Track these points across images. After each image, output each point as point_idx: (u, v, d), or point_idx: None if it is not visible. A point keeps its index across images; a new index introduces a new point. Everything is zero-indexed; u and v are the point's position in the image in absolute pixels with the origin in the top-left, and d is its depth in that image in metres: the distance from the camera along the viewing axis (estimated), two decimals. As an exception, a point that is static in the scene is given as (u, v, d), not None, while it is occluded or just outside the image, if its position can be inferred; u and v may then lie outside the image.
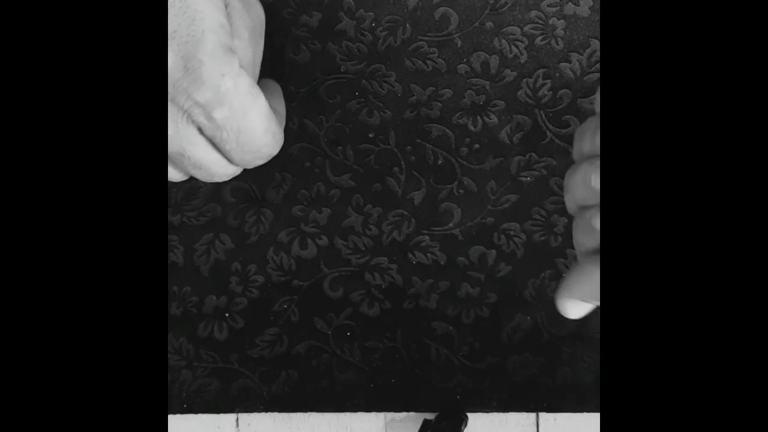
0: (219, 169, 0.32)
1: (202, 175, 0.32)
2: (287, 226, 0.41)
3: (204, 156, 0.31)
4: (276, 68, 0.40)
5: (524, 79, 0.39)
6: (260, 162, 0.32)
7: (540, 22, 0.39)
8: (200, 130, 0.30)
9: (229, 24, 0.29)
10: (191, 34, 0.28)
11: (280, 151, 0.40)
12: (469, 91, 0.39)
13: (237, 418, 0.43)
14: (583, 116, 0.39)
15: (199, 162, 0.31)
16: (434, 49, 0.39)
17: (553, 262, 0.40)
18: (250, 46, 0.31)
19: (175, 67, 0.28)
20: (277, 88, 0.37)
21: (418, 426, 0.41)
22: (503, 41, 0.39)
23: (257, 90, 0.30)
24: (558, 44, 0.39)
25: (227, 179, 0.33)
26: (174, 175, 0.32)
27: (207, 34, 0.28)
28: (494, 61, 0.39)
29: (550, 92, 0.39)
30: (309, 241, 0.41)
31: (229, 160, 0.32)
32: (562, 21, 0.39)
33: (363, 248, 0.41)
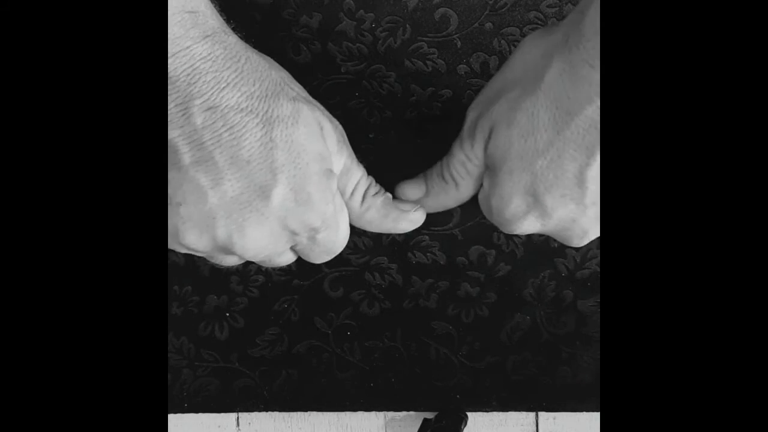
0: (284, 262, 0.34)
1: (265, 264, 0.34)
2: (288, 226, 0.41)
3: (284, 261, 0.34)
4: (276, 69, 0.40)
5: (524, 80, 0.39)
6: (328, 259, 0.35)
7: (539, 22, 0.39)
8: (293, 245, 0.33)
9: (326, 147, 0.32)
10: (299, 167, 0.30)
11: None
12: (468, 91, 0.39)
13: (237, 417, 0.43)
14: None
15: (276, 263, 0.34)
16: (434, 49, 0.39)
17: (552, 262, 0.40)
18: (343, 154, 0.33)
19: (287, 198, 0.30)
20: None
21: (418, 425, 0.41)
22: (503, 42, 0.39)
23: (343, 203, 0.33)
24: (557, 45, 0.39)
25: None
26: (233, 261, 0.34)
27: (311, 165, 0.30)
28: (494, 62, 0.39)
29: (550, 93, 0.39)
30: (309, 240, 0.41)
31: (305, 258, 0.34)
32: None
33: (363, 248, 0.41)
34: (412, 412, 0.42)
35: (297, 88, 0.32)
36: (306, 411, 0.42)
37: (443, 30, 0.39)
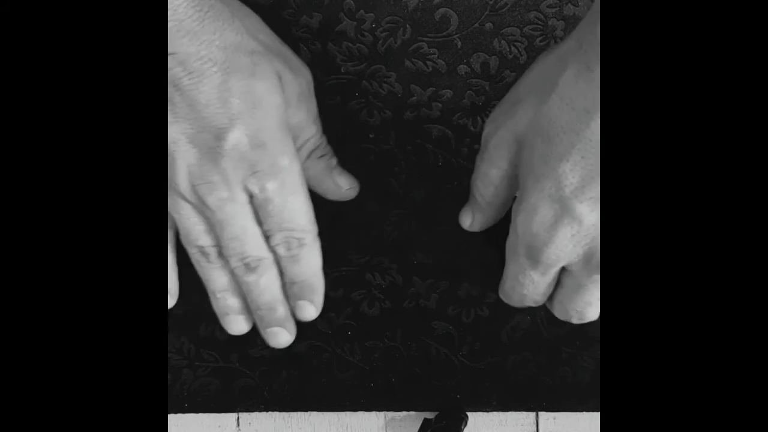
0: (252, 245, 0.34)
1: (233, 247, 0.34)
2: (288, 226, 0.41)
3: (246, 225, 0.33)
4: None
5: (524, 80, 0.39)
6: (288, 247, 0.35)
7: (539, 22, 0.39)
8: (251, 200, 0.33)
9: (284, 99, 0.33)
10: (255, 117, 0.31)
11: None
12: (469, 91, 0.39)
13: (238, 418, 0.43)
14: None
15: (237, 233, 0.33)
16: (434, 49, 0.39)
17: (552, 262, 0.40)
18: (301, 109, 0.35)
19: (241, 142, 0.31)
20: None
21: (418, 425, 0.41)
22: (503, 42, 0.39)
23: (301, 171, 0.34)
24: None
25: (249, 269, 0.35)
26: (199, 239, 0.34)
27: (268, 117, 0.32)
28: (494, 62, 0.39)
29: (550, 93, 0.39)
30: (309, 241, 0.41)
31: (267, 236, 0.34)
32: (561, 22, 0.39)
33: (363, 248, 0.41)
34: (412, 412, 0.42)
35: (262, 36, 0.33)
36: (306, 411, 0.42)
37: (443, 30, 0.39)
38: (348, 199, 0.38)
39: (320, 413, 0.42)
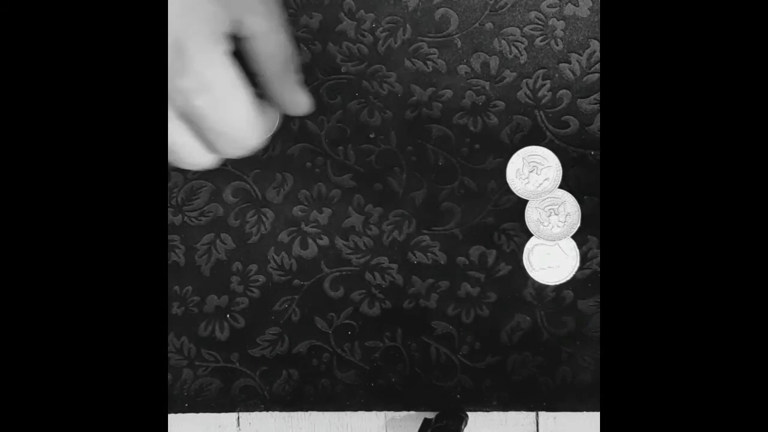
0: (194, 157, 0.32)
1: (173, 159, 0.32)
2: (288, 226, 0.41)
3: (179, 141, 0.31)
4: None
5: (524, 80, 0.39)
6: (241, 153, 0.32)
7: (540, 22, 0.39)
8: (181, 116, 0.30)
9: (227, 9, 0.30)
10: (186, 23, 0.28)
11: (281, 152, 0.41)
12: (469, 91, 0.39)
13: (238, 417, 0.43)
14: (582, 116, 0.39)
15: (172, 146, 0.31)
16: (434, 49, 0.39)
17: (552, 262, 0.40)
18: (257, 15, 0.31)
19: (167, 51, 0.28)
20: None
21: (419, 425, 0.41)
22: (503, 42, 0.39)
23: (240, 82, 0.30)
24: (557, 45, 0.39)
25: (202, 168, 0.33)
26: None
27: (199, 24, 0.29)
28: (494, 62, 0.39)
29: (550, 93, 0.39)
30: (310, 241, 0.41)
31: (212, 149, 0.32)
32: (561, 22, 0.39)
33: (363, 248, 0.41)
34: (412, 412, 0.42)
35: None
36: (306, 411, 0.42)
37: (443, 30, 0.39)
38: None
39: (320, 413, 0.42)
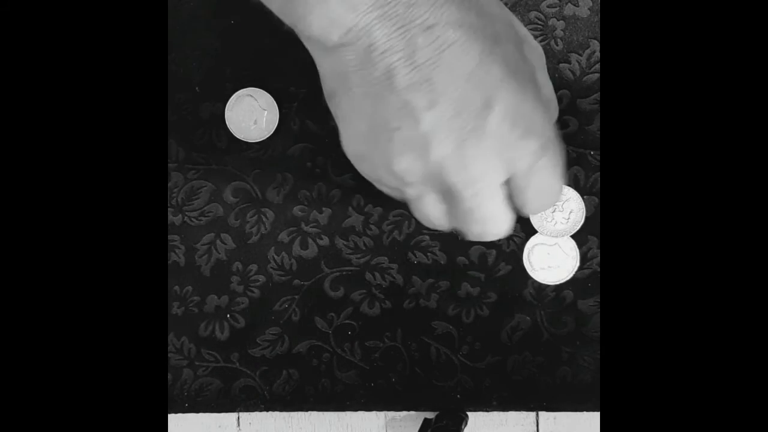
0: (499, 226, 0.32)
1: (477, 231, 0.32)
2: (288, 226, 0.41)
3: (495, 210, 0.31)
4: (277, 69, 0.40)
5: (524, 80, 0.39)
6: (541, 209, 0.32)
7: (539, 22, 0.39)
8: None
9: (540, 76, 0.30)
10: (520, 83, 0.28)
11: (281, 152, 0.41)
12: (469, 91, 0.39)
13: (238, 418, 0.43)
14: (582, 116, 0.39)
15: (487, 216, 0.31)
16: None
17: (552, 262, 0.40)
18: (547, 80, 0.32)
19: (506, 119, 0.28)
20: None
21: (419, 425, 0.41)
22: (503, 42, 0.39)
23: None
24: (557, 45, 0.39)
25: (492, 239, 0.33)
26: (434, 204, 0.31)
27: (530, 86, 0.29)
28: (494, 62, 0.39)
29: (550, 93, 0.39)
30: (310, 240, 0.41)
31: (520, 207, 0.32)
32: (561, 22, 0.39)
33: (364, 248, 0.41)
34: (412, 412, 0.42)
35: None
36: (307, 411, 0.42)
37: (443, 30, 0.39)
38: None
39: (320, 413, 0.42)
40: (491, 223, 0.31)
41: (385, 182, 0.31)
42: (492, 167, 0.29)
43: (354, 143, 0.31)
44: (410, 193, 0.31)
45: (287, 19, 0.28)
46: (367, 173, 0.32)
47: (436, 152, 0.28)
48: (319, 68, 0.29)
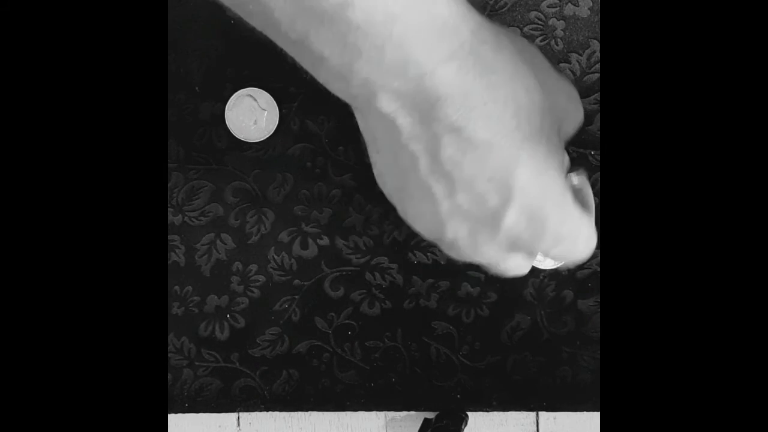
0: (525, 271, 0.32)
1: (498, 271, 0.32)
2: (288, 226, 0.41)
3: (523, 265, 0.31)
4: (277, 69, 0.40)
5: (524, 80, 0.39)
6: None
7: (540, 22, 0.39)
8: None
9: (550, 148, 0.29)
10: (540, 186, 0.27)
11: (281, 152, 0.41)
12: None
13: (238, 417, 0.43)
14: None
15: (511, 268, 0.31)
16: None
17: (552, 262, 0.40)
18: (561, 148, 0.30)
19: (520, 222, 0.27)
20: None
21: (418, 425, 0.41)
22: (503, 42, 0.39)
23: (581, 212, 0.30)
24: (557, 45, 0.39)
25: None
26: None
27: (551, 186, 0.28)
28: (494, 62, 0.39)
29: (550, 93, 0.39)
30: (310, 240, 0.41)
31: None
32: (561, 22, 0.39)
33: (364, 248, 0.41)
34: (412, 412, 0.42)
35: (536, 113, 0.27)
36: (307, 411, 0.42)
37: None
38: None
39: (320, 413, 0.42)
40: (517, 272, 0.31)
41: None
42: (502, 256, 0.29)
43: (386, 186, 0.31)
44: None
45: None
46: (396, 206, 0.32)
47: (450, 234, 0.28)
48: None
